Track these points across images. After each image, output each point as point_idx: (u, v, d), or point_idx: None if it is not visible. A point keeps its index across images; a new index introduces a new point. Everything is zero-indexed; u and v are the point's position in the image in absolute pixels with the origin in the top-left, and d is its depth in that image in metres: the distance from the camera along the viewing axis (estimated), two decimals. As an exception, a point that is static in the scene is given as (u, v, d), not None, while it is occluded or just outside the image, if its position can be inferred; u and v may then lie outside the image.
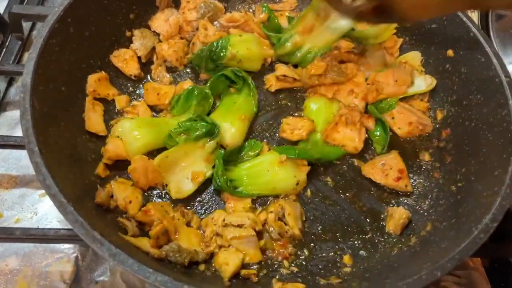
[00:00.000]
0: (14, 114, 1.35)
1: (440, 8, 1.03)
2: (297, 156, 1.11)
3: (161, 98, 1.25)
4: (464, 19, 1.22)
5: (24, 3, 1.56)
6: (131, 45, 1.30)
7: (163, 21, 1.35)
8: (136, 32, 1.31)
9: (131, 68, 1.28)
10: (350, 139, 1.19)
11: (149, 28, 1.36)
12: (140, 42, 1.30)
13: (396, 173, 1.15)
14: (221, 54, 1.27)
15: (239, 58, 1.28)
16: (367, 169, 1.18)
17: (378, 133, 1.24)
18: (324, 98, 1.27)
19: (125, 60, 1.28)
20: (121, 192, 1.05)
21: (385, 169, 1.16)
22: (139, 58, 1.31)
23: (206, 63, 1.28)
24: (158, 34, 1.35)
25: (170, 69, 1.34)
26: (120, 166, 1.14)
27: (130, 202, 1.04)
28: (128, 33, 1.32)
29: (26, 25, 1.49)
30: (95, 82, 1.19)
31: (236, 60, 1.28)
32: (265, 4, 1.43)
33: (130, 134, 1.13)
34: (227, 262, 1.00)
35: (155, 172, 1.10)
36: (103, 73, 1.23)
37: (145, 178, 1.09)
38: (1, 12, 1.48)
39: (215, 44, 1.27)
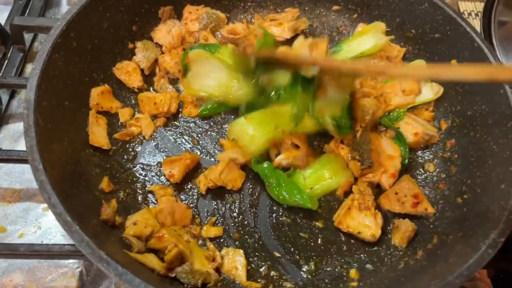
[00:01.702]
0: (16, 126, 1.34)
1: None
2: None
3: (159, 106, 1.25)
4: (468, 29, 1.22)
5: (26, 15, 1.55)
6: (134, 57, 1.30)
7: (165, 32, 1.34)
8: (139, 44, 1.31)
9: (134, 81, 1.28)
10: (366, 226, 1.10)
11: (152, 40, 1.35)
12: (142, 54, 1.30)
13: (411, 199, 1.12)
14: None
15: None
16: (383, 202, 1.16)
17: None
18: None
19: (128, 72, 1.27)
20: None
21: (400, 198, 1.13)
22: (142, 70, 1.30)
23: None
24: (160, 46, 1.35)
25: (173, 81, 1.33)
26: (124, 179, 1.14)
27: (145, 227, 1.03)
28: (130, 45, 1.31)
29: (27, 37, 1.48)
30: (98, 96, 1.19)
31: None
32: (266, 31, 1.36)
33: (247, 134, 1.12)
34: (235, 266, 1.02)
35: (183, 213, 1.09)
36: (106, 86, 1.22)
37: (171, 219, 1.07)
38: (3, 24, 1.47)
39: None
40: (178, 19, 1.39)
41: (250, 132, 1.12)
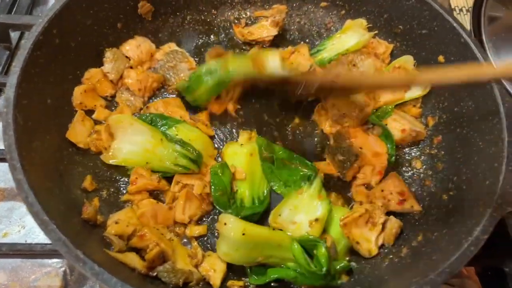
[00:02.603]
0: (1, 125, 1.33)
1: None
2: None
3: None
4: (455, 24, 1.21)
5: (13, 13, 1.54)
6: (102, 67, 1.25)
7: (134, 46, 1.31)
8: (108, 54, 1.27)
9: (106, 88, 1.25)
10: (367, 239, 1.07)
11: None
12: (111, 64, 1.26)
13: (398, 196, 1.11)
14: None
15: None
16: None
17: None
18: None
19: (98, 81, 1.24)
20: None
21: (386, 195, 1.12)
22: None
23: None
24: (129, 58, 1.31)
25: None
26: (108, 178, 1.13)
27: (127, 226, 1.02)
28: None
29: (14, 35, 1.46)
30: (81, 94, 1.17)
31: None
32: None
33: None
34: (214, 268, 1.01)
35: (165, 215, 1.08)
36: (90, 83, 1.21)
37: (154, 222, 1.06)
38: (-11, 22, 1.46)
39: None
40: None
41: None
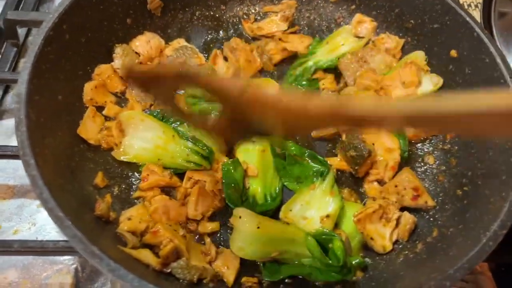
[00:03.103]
0: (10, 122, 1.32)
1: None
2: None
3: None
4: (467, 18, 1.20)
5: (19, 9, 1.53)
6: (112, 63, 1.24)
7: (144, 42, 1.31)
8: (118, 49, 1.26)
9: (116, 84, 1.24)
10: (381, 235, 1.06)
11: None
12: (121, 60, 1.24)
13: (411, 192, 1.10)
14: None
15: None
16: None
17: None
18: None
19: (108, 77, 1.23)
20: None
21: (400, 191, 1.11)
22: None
23: None
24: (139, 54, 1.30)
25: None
26: (119, 174, 1.13)
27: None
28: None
29: (21, 31, 1.46)
30: (92, 90, 1.17)
31: None
32: None
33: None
34: (227, 265, 1.00)
35: (178, 211, 1.07)
36: (100, 80, 1.20)
37: (166, 218, 1.05)
38: (-4, 19, 1.45)
39: None
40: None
41: None
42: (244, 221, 0.98)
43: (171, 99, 0.81)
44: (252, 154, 1.16)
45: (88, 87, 1.17)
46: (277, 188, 1.15)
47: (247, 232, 0.97)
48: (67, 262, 1.10)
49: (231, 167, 1.11)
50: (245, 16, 1.45)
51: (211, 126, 0.85)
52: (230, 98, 0.70)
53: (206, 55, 1.37)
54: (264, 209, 1.09)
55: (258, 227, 0.98)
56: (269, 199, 1.12)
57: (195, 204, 1.07)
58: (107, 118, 1.19)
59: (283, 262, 1.03)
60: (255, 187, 1.13)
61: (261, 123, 0.72)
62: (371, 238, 1.06)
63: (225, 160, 1.15)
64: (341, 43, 1.37)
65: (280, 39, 1.40)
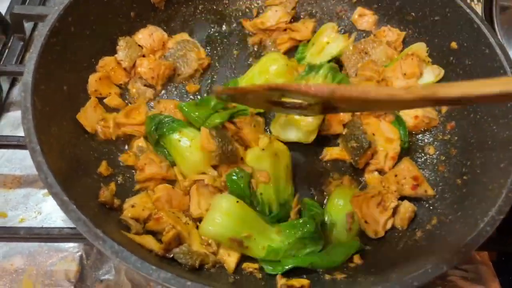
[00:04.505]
0: (17, 114, 1.35)
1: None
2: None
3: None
4: (467, 10, 1.21)
5: (26, 4, 1.56)
6: (116, 55, 1.27)
7: (147, 35, 1.32)
8: (121, 42, 1.28)
9: (120, 76, 1.26)
10: (375, 220, 1.08)
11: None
12: (124, 52, 1.27)
13: (411, 181, 1.11)
14: None
15: None
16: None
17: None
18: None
19: (112, 69, 1.25)
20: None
21: (400, 180, 1.12)
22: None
23: None
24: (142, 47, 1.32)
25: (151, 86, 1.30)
26: (122, 163, 1.15)
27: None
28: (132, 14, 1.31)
29: (28, 26, 1.48)
30: (96, 82, 1.19)
31: None
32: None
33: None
34: (229, 253, 1.01)
35: (180, 200, 1.08)
36: (104, 71, 1.22)
37: (169, 206, 1.06)
38: (3, 13, 1.48)
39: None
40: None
41: None
42: (224, 197, 1.03)
43: (263, 104, 1.02)
44: (264, 161, 1.13)
45: (92, 78, 1.19)
46: (289, 192, 1.15)
47: (226, 206, 1.01)
48: (72, 249, 1.13)
49: (235, 175, 1.08)
50: (247, 10, 1.47)
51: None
52: (321, 99, 0.85)
53: (208, 49, 1.39)
54: (279, 217, 1.10)
55: (237, 201, 1.02)
56: (283, 204, 1.13)
57: (197, 203, 1.07)
58: (107, 110, 1.21)
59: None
60: (269, 196, 1.10)
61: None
62: (366, 222, 1.08)
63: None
64: (326, 41, 1.37)
65: (285, 29, 1.42)
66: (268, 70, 1.26)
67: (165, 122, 1.14)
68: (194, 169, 1.11)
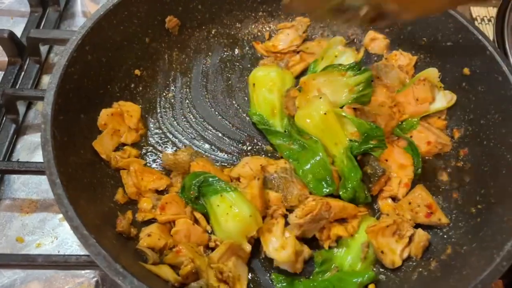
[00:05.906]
0: (33, 138, 1.36)
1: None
2: None
3: None
4: (480, 37, 1.22)
5: (41, 27, 1.58)
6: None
7: None
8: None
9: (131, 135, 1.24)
10: (392, 250, 1.07)
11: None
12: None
13: (425, 209, 1.11)
14: None
15: None
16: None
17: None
18: None
19: (128, 112, 1.24)
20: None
21: (414, 207, 1.12)
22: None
23: None
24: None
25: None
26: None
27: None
28: (136, 71, 1.32)
29: (43, 48, 1.51)
30: (108, 117, 1.18)
31: None
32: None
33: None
34: (238, 277, 1.01)
35: (200, 237, 1.08)
36: (118, 108, 1.22)
37: (187, 240, 1.06)
38: (19, 36, 1.50)
39: None
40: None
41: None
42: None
43: (325, 14, 1.14)
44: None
45: (104, 112, 1.19)
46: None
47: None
48: (88, 275, 1.14)
49: None
50: (259, 33, 1.48)
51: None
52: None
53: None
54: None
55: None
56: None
57: (220, 256, 1.02)
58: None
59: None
60: None
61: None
62: (382, 252, 1.07)
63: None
64: (335, 55, 1.38)
65: (298, 52, 1.44)
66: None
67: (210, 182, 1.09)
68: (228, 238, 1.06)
